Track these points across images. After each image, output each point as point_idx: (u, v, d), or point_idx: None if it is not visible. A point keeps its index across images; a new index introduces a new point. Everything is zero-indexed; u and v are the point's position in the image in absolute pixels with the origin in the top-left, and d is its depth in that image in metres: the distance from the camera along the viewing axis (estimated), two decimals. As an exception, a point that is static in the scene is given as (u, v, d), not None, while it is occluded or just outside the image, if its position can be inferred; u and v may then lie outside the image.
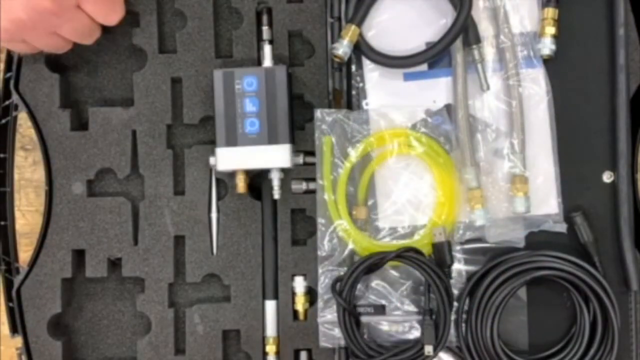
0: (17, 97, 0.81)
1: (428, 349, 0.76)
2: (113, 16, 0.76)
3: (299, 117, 0.81)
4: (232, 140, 0.78)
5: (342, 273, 0.78)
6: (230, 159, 0.78)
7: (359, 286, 0.78)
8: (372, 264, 0.77)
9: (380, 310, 0.78)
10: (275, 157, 0.78)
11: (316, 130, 0.79)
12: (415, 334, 0.79)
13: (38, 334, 0.81)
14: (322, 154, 0.79)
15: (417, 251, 0.77)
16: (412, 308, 0.79)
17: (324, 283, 0.79)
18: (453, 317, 0.77)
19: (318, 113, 0.79)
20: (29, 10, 0.70)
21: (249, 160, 0.78)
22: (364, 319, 0.78)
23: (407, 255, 0.76)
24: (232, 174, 0.80)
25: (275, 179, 0.79)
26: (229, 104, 0.78)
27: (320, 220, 0.79)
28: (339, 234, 0.78)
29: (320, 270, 0.79)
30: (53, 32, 0.74)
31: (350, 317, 0.77)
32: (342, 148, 0.79)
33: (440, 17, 0.80)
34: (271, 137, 0.78)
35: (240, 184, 0.79)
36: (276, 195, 0.79)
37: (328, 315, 0.79)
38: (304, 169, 0.80)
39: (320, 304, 0.79)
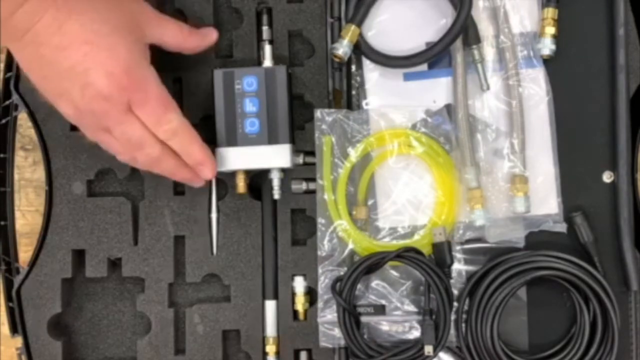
0: (17, 97, 0.81)
1: (428, 349, 0.76)
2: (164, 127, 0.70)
3: (299, 117, 0.81)
4: (232, 140, 0.78)
5: (342, 273, 0.78)
6: (230, 159, 0.78)
7: (359, 286, 0.78)
8: (372, 264, 0.77)
9: (380, 310, 0.78)
10: (275, 157, 0.78)
11: (316, 130, 0.79)
12: (415, 334, 0.79)
13: (38, 334, 0.81)
14: (322, 154, 0.79)
15: (417, 251, 0.77)
16: (412, 308, 0.79)
17: (324, 283, 0.79)
18: (453, 317, 0.77)
19: (318, 113, 0.79)
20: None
21: (249, 160, 0.78)
22: (364, 319, 0.78)
23: (407, 255, 0.76)
24: (232, 174, 0.80)
25: (275, 179, 0.79)
26: (229, 104, 0.78)
27: (320, 220, 0.79)
28: (339, 234, 0.78)
29: (320, 270, 0.79)
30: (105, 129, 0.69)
31: (350, 317, 0.77)
32: (342, 148, 0.79)
33: (440, 17, 0.80)
34: (271, 137, 0.78)
35: (240, 184, 0.79)
36: (276, 195, 0.79)
37: (328, 315, 0.79)
38: (304, 169, 0.80)
39: (320, 304, 0.79)
